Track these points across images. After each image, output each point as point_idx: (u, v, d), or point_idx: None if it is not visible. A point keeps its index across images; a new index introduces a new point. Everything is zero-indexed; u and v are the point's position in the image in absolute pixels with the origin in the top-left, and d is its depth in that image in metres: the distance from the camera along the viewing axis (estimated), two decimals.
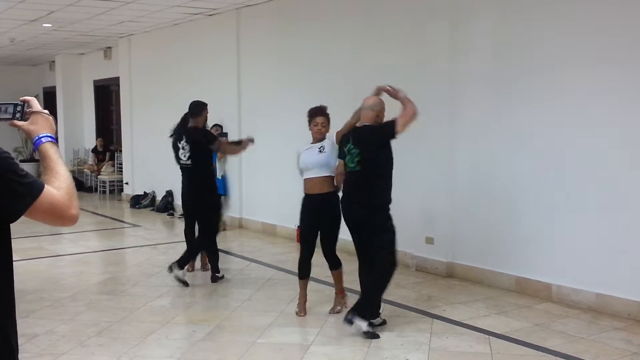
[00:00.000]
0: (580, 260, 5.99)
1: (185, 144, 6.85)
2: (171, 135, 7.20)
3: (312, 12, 8.99)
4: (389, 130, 5.29)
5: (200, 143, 6.82)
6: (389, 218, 5.41)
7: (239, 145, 7.15)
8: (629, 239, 5.65)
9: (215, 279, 7.07)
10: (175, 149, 6.95)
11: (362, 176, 5.34)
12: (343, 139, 5.55)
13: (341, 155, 5.55)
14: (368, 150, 5.32)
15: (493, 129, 6.72)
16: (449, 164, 7.11)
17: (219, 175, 10.14)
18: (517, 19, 6.48)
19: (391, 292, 6.18)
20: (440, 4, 7.11)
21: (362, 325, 5.16)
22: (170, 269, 6.84)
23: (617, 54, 5.69)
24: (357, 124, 5.53)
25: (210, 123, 7.64)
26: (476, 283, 6.82)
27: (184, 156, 6.86)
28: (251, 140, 7.01)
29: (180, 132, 6.95)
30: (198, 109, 6.97)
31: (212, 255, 7.16)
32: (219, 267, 7.17)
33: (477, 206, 6.92)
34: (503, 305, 6.07)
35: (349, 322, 5.19)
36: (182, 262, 6.86)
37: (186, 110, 7.29)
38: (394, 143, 5.40)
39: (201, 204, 6.95)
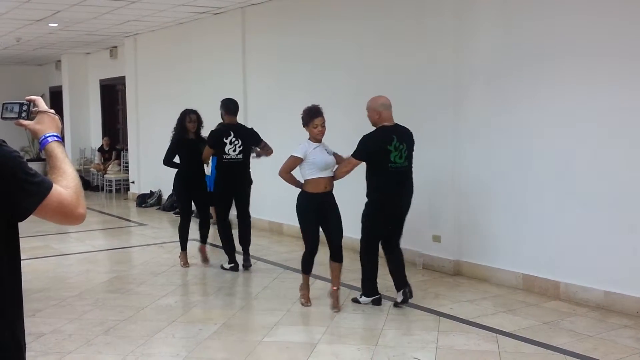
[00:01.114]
0: (589, 258, 5.96)
1: (234, 139, 7.22)
2: (182, 136, 7.42)
3: (318, 11, 8.97)
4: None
5: (252, 140, 7.35)
6: None
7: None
8: (637, 237, 5.62)
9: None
10: (221, 144, 7.21)
11: (409, 170, 5.93)
12: (375, 139, 5.76)
13: (361, 157, 5.79)
14: (411, 147, 5.91)
15: (499, 127, 6.69)
16: (455, 162, 7.09)
17: None
18: (521, 17, 6.45)
19: None
20: (447, 3, 7.08)
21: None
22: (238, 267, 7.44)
23: (622, 50, 5.65)
24: (386, 123, 5.80)
25: (216, 121, 7.68)
26: (483, 281, 6.80)
27: (234, 151, 7.23)
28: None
29: (227, 127, 7.33)
30: (237, 107, 7.50)
31: (228, 244, 7.54)
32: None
33: (484, 204, 6.89)
34: (511, 304, 6.05)
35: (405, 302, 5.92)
36: (246, 258, 7.51)
37: (185, 108, 7.58)
38: None
39: (248, 193, 7.52)
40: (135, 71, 13.74)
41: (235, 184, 7.38)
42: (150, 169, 13.37)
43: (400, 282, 5.99)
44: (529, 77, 6.38)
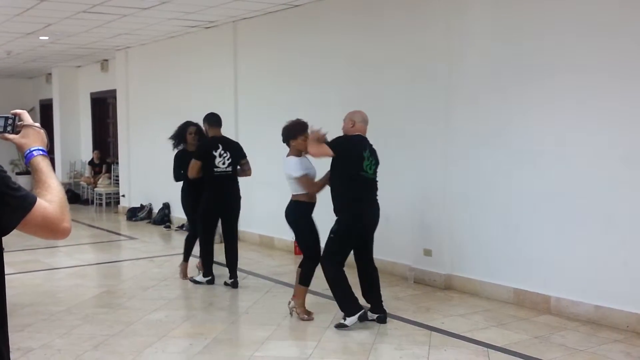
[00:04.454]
0: (579, 272, 5.97)
1: (223, 152, 7.14)
2: (177, 145, 7.39)
3: (309, 25, 8.99)
4: None
5: (239, 154, 7.28)
6: None
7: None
8: (627, 251, 5.63)
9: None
10: (210, 157, 7.10)
11: (376, 183, 5.84)
12: (351, 141, 5.77)
13: (335, 149, 5.77)
14: (377, 163, 5.86)
15: (491, 141, 6.71)
16: (447, 176, 7.10)
17: None
18: (514, 27, 6.48)
19: (389, 304, 6.16)
20: (438, 20, 7.11)
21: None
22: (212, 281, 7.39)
23: (616, 67, 5.68)
24: (356, 133, 5.83)
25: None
26: (474, 295, 6.79)
27: (223, 164, 7.14)
28: None
29: (215, 140, 7.21)
30: (220, 119, 7.37)
31: (208, 256, 7.40)
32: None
33: (475, 218, 6.90)
34: (502, 318, 6.04)
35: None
36: (208, 269, 7.39)
37: (183, 121, 7.48)
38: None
39: (238, 208, 7.41)
40: (126, 84, 13.73)
41: (225, 198, 7.25)
42: (140, 182, 13.34)
43: (377, 306, 5.92)
44: (522, 90, 6.39)
